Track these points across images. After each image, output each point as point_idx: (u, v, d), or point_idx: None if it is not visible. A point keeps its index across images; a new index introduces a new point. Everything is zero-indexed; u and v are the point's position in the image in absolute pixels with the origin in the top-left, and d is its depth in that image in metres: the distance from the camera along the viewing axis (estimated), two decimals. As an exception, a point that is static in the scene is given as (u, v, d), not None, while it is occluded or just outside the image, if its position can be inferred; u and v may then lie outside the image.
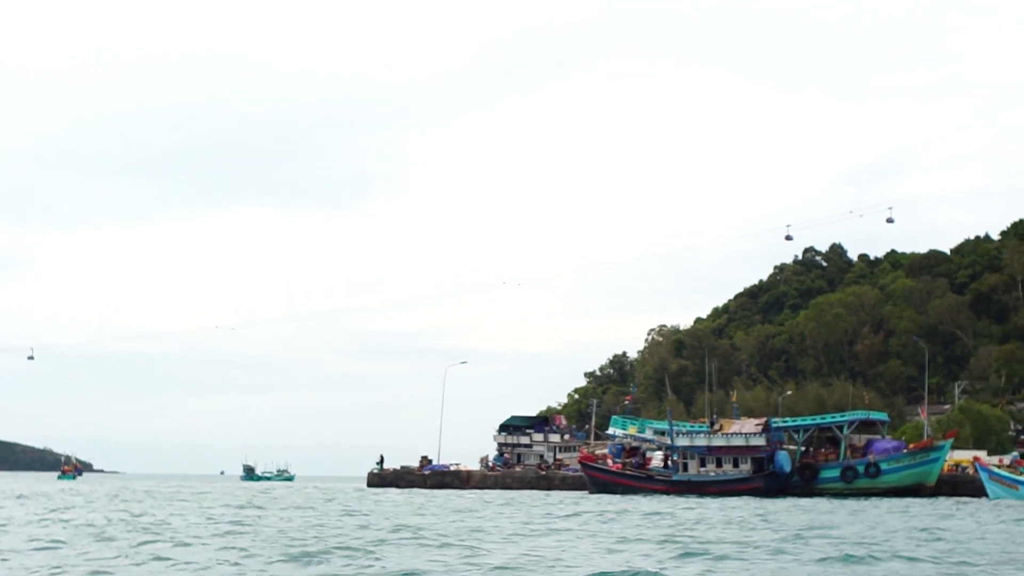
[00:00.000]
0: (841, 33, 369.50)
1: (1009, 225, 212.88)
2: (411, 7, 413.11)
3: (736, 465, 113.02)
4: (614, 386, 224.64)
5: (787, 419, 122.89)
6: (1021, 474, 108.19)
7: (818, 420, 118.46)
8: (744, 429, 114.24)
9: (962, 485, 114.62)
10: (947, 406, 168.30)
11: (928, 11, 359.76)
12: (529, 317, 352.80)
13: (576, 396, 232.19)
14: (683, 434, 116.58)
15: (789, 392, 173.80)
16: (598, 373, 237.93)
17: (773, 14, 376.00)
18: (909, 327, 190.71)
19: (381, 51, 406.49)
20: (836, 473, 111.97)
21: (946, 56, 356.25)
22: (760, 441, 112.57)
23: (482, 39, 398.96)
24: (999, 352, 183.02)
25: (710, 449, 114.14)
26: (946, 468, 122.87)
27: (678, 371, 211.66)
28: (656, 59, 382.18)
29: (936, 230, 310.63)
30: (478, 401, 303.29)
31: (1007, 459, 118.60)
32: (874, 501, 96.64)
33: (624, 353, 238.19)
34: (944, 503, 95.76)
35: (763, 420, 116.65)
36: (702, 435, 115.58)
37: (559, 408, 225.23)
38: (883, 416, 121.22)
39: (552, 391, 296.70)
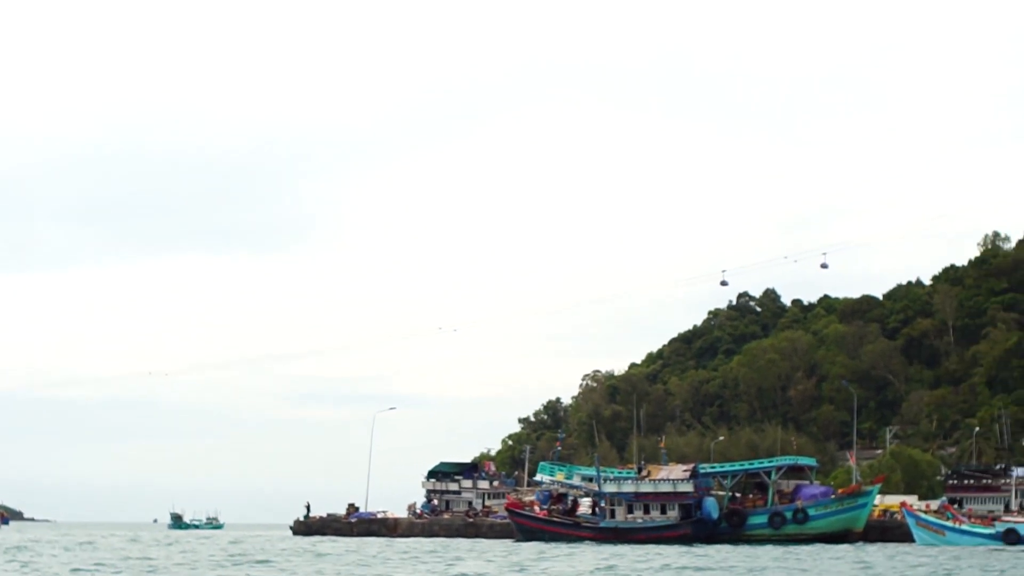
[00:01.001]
0: (777, 80, 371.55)
1: (940, 270, 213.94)
2: (348, 54, 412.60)
3: (664, 511, 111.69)
4: (548, 432, 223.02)
5: (715, 465, 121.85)
6: (948, 519, 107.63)
7: (746, 466, 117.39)
8: (671, 475, 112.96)
9: (890, 531, 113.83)
10: (879, 451, 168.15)
11: (862, 59, 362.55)
12: (465, 363, 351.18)
13: (510, 442, 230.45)
14: (610, 480, 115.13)
15: (721, 438, 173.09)
16: (532, 419, 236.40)
17: (711, 61, 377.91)
18: (841, 372, 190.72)
19: (319, 97, 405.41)
20: (764, 519, 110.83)
21: (880, 104, 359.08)
22: (688, 487, 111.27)
23: (418, 86, 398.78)
24: (930, 397, 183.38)
25: (637, 495, 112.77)
26: (877, 514, 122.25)
27: (611, 417, 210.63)
28: (593, 105, 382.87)
29: (869, 276, 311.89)
30: (412, 448, 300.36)
31: (934, 504, 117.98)
32: (799, 548, 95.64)
33: (558, 399, 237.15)
34: (868, 549, 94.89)
35: (691, 466, 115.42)
36: (629, 481, 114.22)
37: (493, 455, 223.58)
38: (811, 461, 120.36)
39: (487, 437, 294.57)
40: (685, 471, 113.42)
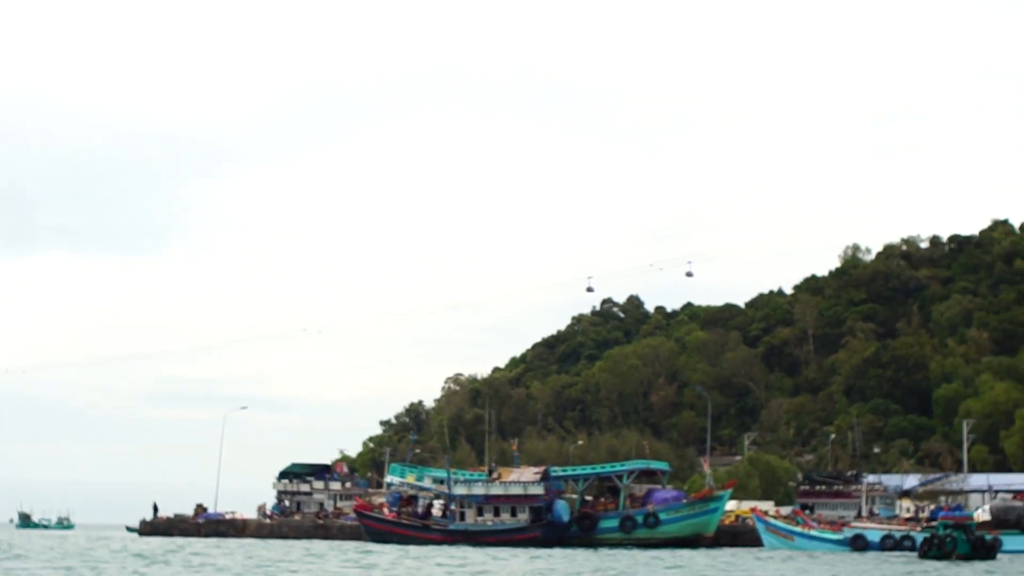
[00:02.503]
0: (646, 91, 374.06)
1: (801, 280, 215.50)
2: (219, 55, 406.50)
3: (514, 514, 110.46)
4: (409, 435, 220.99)
5: (567, 468, 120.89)
6: (798, 525, 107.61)
7: (598, 469, 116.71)
8: (522, 478, 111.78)
9: (741, 536, 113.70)
10: (738, 457, 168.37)
11: (730, 73, 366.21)
12: (330, 365, 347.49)
13: (371, 444, 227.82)
14: (461, 482, 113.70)
15: (580, 442, 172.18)
16: (393, 421, 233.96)
17: (582, 71, 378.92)
18: (702, 379, 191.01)
19: (189, 97, 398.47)
20: (615, 523, 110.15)
21: (746, 118, 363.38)
22: (538, 490, 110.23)
23: (289, 89, 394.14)
24: (789, 404, 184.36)
25: (488, 498, 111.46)
26: (731, 519, 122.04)
27: (473, 420, 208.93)
28: (464, 112, 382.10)
29: (733, 285, 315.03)
30: (273, 449, 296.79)
31: (785, 510, 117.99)
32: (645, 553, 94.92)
33: (420, 402, 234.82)
34: (714, 554, 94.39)
35: (542, 469, 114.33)
36: (480, 484, 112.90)
37: (354, 457, 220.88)
38: (664, 466, 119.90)
39: (349, 440, 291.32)
40: (536, 474, 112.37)
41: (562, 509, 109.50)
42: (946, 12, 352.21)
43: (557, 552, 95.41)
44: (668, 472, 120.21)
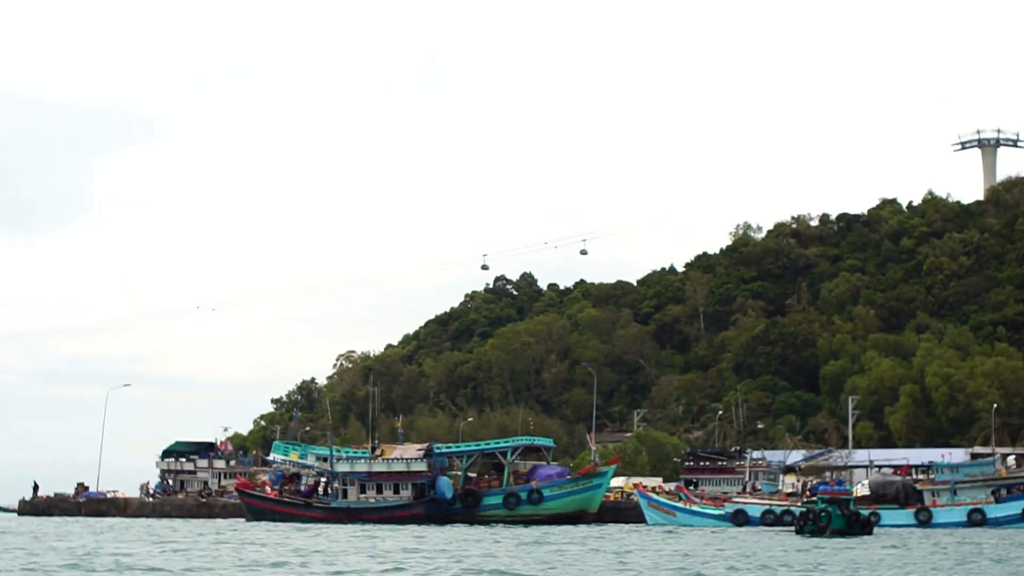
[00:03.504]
0: (543, 71, 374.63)
1: (693, 258, 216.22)
2: (117, 28, 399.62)
3: (397, 491, 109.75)
4: (302, 412, 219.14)
5: (451, 445, 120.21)
6: (681, 500, 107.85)
7: (482, 446, 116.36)
8: (405, 455, 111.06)
9: (625, 512, 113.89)
10: (628, 434, 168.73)
11: (623, 54, 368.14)
12: (224, 343, 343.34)
13: (262, 423, 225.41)
14: (343, 460, 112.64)
15: (471, 419, 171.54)
16: (285, 399, 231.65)
17: (480, 49, 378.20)
18: (594, 356, 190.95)
19: (81, 73, 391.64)
20: (499, 500, 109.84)
21: (639, 98, 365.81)
22: (421, 467, 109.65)
23: (188, 65, 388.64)
24: (679, 381, 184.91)
25: (371, 475, 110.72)
26: (619, 495, 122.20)
27: (365, 397, 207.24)
28: (359, 90, 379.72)
29: (626, 263, 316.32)
30: (162, 427, 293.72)
31: (669, 486, 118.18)
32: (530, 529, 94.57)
33: (312, 379, 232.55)
34: (597, 530, 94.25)
35: (425, 446, 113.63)
36: (363, 461, 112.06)
37: (245, 435, 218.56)
38: (548, 442, 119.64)
39: (241, 418, 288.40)
40: (419, 451, 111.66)
41: (445, 486, 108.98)
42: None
43: (440, 529, 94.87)
44: (553, 449, 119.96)
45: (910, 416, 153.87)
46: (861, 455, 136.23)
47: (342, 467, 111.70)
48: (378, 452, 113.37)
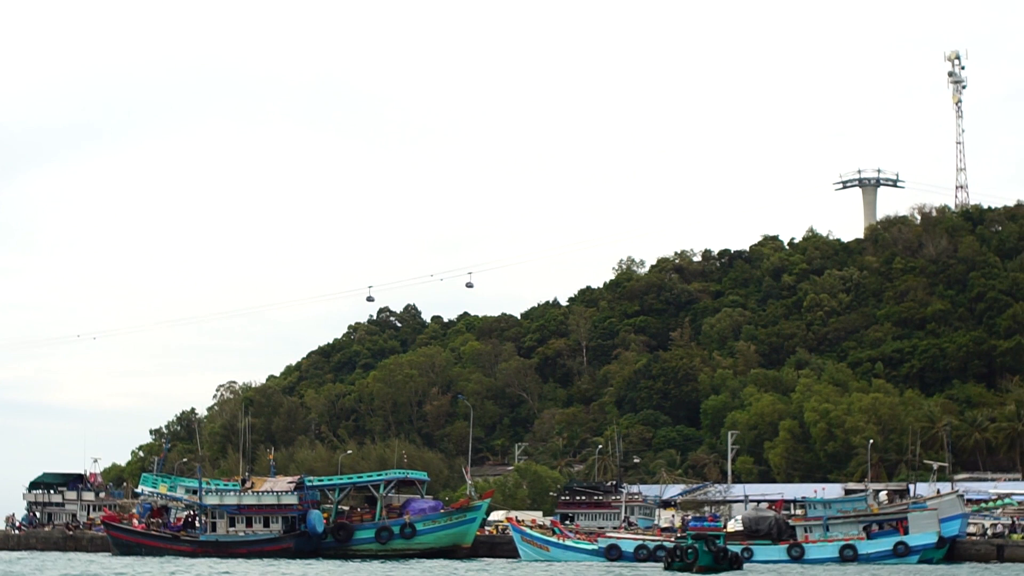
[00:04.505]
0: (431, 105, 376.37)
1: (576, 292, 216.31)
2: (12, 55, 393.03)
3: (267, 525, 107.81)
4: (181, 443, 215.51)
5: (323, 478, 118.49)
6: (555, 535, 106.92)
7: (354, 479, 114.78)
8: (276, 487, 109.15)
9: (499, 546, 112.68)
10: (511, 467, 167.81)
11: (508, 87, 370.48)
12: (105, 372, 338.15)
13: (141, 454, 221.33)
14: (213, 492, 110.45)
15: (350, 451, 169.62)
16: (165, 430, 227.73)
17: (367, 81, 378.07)
18: (477, 389, 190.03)
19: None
20: (371, 534, 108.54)
21: (526, 134, 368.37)
22: (292, 500, 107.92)
23: (66, 92, 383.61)
24: (561, 415, 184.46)
25: (240, 508, 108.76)
26: (495, 529, 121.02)
27: (245, 429, 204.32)
28: (246, 118, 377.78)
29: (511, 296, 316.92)
30: (35, 458, 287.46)
31: (542, 519, 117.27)
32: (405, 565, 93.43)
33: (193, 410, 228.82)
34: (468, 565, 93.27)
35: (296, 478, 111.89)
36: (232, 493, 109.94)
37: (123, 466, 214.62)
38: (422, 475, 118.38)
39: (122, 448, 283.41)
40: (290, 483, 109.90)
41: (316, 520, 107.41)
42: (717, 33, 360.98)
43: (309, 564, 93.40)
44: (427, 482, 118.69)
45: (789, 451, 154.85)
46: (739, 490, 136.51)
47: (211, 500, 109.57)
48: (248, 484, 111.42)
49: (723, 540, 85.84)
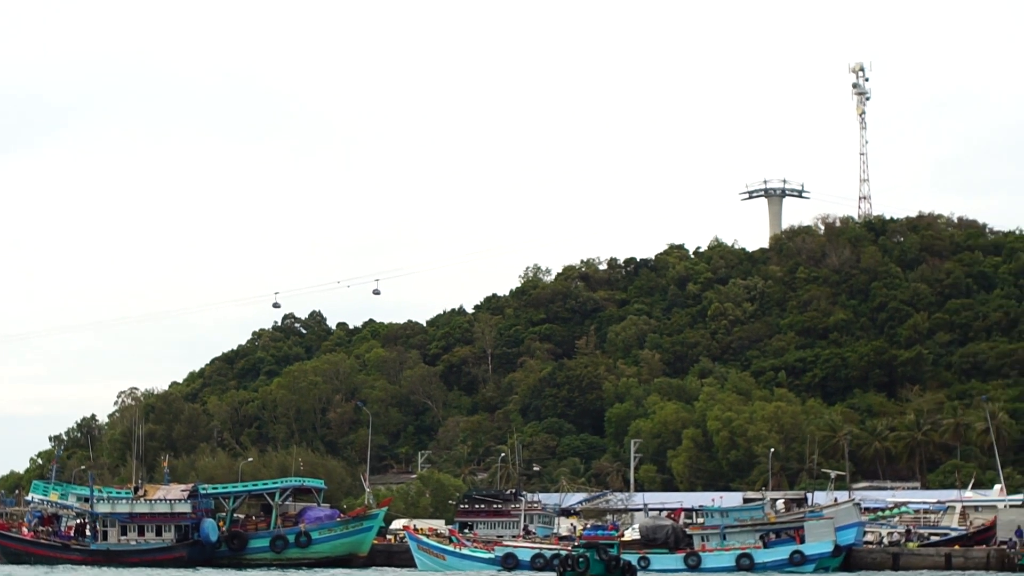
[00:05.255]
0: (336, 109, 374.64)
1: (482, 299, 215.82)
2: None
3: (159, 533, 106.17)
4: (80, 451, 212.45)
5: (217, 485, 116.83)
6: (452, 543, 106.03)
7: (249, 487, 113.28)
8: (169, 495, 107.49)
9: (397, 555, 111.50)
10: (414, 475, 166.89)
11: (417, 94, 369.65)
12: (2, 377, 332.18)
13: (40, 461, 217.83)
14: (104, 500, 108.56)
15: (251, 459, 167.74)
16: (64, 437, 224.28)
17: (276, 84, 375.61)
18: (381, 396, 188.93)
19: None
20: (266, 543, 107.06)
21: (434, 137, 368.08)
22: (185, 508, 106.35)
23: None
24: (466, 423, 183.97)
25: (132, 516, 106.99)
26: (395, 538, 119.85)
27: (147, 435, 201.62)
28: (151, 122, 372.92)
29: (418, 303, 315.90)
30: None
31: (443, 528, 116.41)
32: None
33: (93, 416, 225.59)
34: (363, 574, 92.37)
35: (189, 486, 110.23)
36: (124, 501, 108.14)
37: (21, 473, 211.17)
38: (319, 483, 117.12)
39: (21, 455, 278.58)
40: (183, 491, 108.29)
41: (210, 528, 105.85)
42: (623, 41, 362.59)
43: (202, 573, 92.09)
44: (324, 490, 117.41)
45: (692, 460, 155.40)
46: (640, 498, 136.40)
47: (102, 508, 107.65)
48: (141, 492, 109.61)
49: (617, 549, 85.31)
